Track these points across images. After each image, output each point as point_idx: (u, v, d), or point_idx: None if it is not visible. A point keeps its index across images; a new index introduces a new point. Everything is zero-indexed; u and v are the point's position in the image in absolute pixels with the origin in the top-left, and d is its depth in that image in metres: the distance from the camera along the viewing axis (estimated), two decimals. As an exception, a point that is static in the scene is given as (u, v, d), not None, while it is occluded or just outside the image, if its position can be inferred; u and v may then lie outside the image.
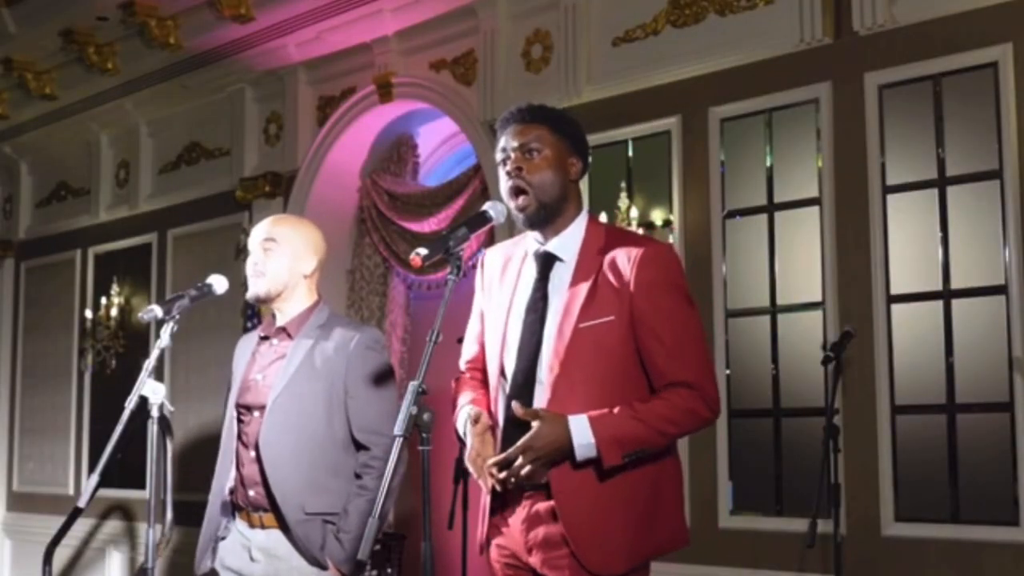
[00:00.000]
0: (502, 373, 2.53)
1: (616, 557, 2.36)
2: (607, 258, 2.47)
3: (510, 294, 2.56)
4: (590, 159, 2.65)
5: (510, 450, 2.34)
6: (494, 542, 2.51)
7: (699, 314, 2.53)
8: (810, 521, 3.43)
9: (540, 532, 2.41)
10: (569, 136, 2.55)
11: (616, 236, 2.56)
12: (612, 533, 2.36)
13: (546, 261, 2.53)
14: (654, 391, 2.42)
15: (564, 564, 2.37)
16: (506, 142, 2.52)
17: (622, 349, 2.41)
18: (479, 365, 2.65)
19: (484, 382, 2.62)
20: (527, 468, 2.33)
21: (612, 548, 2.35)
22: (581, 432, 2.32)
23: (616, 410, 2.35)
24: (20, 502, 7.97)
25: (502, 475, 2.37)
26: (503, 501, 2.49)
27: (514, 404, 2.37)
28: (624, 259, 2.45)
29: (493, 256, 2.68)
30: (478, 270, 2.70)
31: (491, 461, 2.38)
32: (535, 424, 2.32)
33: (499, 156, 2.54)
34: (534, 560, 2.42)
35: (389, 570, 3.28)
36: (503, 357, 2.52)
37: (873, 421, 4.09)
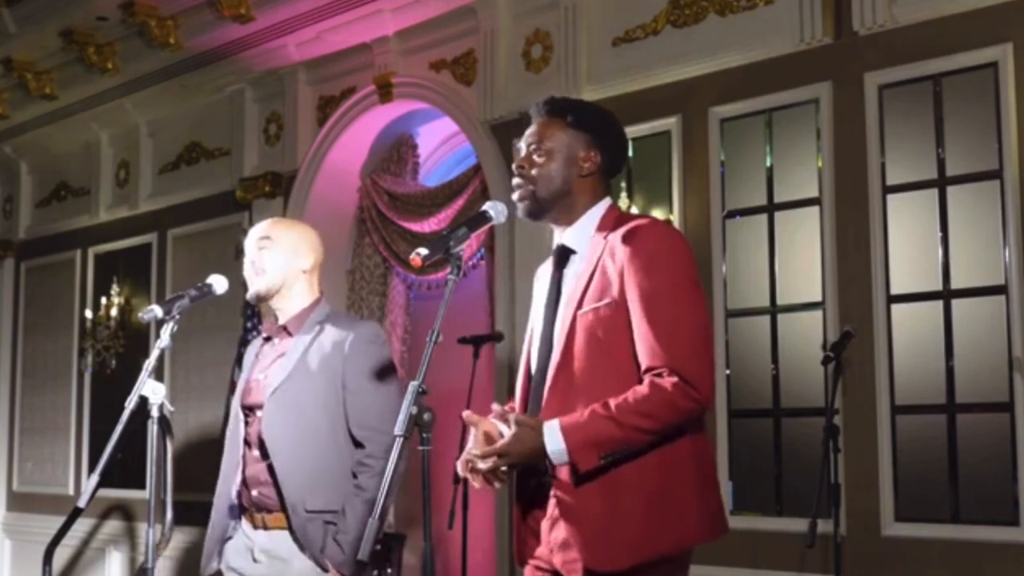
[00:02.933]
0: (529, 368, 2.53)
1: (618, 554, 2.29)
2: (609, 241, 2.42)
3: (542, 294, 2.56)
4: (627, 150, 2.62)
5: (488, 449, 2.31)
6: (527, 546, 2.49)
7: (699, 295, 2.38)
8: (810, 521, 3.43)
9: (560, 534, 2.37)
10: (588, 130, 2.50)
11: (623, 219, 2.48)
12: (612, 531, 2.30)
13: (561, 254, 2.52)
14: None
15: (578, 568, 2.32)
16: (523, 138, 2.53)
17: (621, 332, 2.34)
18: None
19: None
20: (489, 465, 2.30)
21: (613, 545, 2.30)
22: (553, 439, 2.25)
23: (588, 411, 2.27)
24: (20, 502, 7.96)
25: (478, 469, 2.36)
26: (530, 504, 2.47)
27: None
28: (618, 238, 2.39)
29: (540, 270, 2.67)
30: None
31: (473, 452, 2.34)
32: (512, 429, 2.29)
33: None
34: (557, 561, 2.38)
35: (389, 570, 3.28)
36: (530, 352, 2.53)
37: (873, 421, 4.09)
